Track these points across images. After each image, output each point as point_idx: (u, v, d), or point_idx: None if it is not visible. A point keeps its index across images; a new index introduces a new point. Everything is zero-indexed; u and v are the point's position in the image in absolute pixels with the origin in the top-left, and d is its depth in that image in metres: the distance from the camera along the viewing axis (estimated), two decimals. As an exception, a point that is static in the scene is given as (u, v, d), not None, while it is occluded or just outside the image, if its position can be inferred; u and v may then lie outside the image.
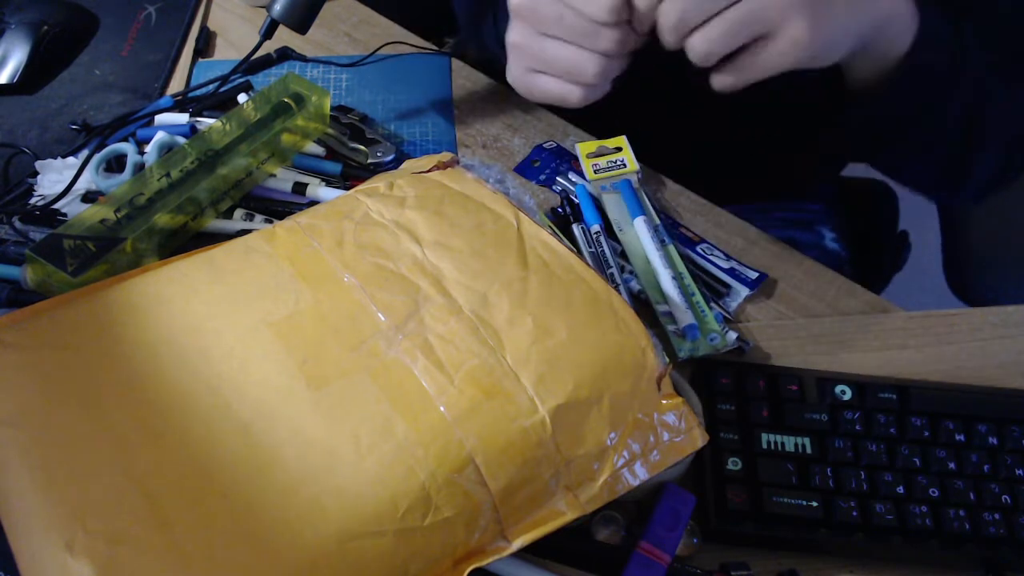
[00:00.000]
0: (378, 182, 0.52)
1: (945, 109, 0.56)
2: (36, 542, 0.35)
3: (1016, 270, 0.74)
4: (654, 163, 0.65)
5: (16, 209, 0.56)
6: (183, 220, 0.54)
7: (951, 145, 0.59)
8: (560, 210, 0.60)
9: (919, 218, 0.86)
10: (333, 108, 0.65)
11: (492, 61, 0.64)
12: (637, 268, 0.57)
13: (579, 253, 0.56)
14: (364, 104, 0.68)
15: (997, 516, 0.46)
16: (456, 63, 0.72)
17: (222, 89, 0.66)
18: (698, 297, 0.55)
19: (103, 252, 0.50)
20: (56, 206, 0.56)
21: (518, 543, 0.39)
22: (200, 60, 0.70)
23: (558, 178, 0.63)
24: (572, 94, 0.50)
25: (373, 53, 0.71)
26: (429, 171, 0.53)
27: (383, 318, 0.43)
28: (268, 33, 0.59)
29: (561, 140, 0.67)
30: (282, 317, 0.43)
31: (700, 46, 0.45)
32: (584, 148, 0.64)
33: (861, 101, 0.56)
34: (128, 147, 0.59)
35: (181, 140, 0.59)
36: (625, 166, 0.63)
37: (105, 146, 0.60)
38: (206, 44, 0.72)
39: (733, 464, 0.47)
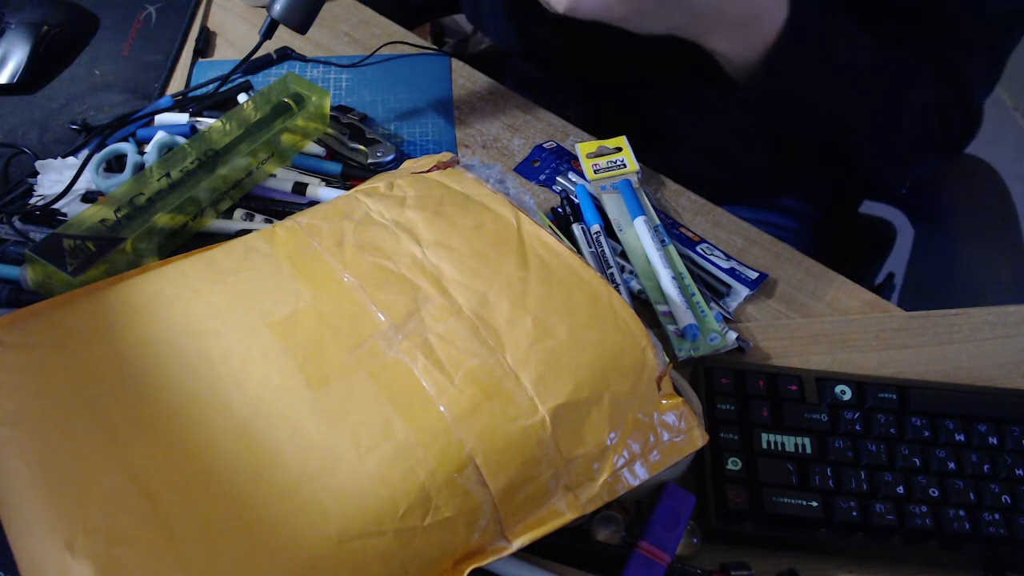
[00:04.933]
0: (378, 182, 0.52)
1: (818, 85, 0.59)
2: (36, 542, 0.35)
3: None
4: (654, 163, 0.65)
5: (16, 209, 0.56)
6: (183, 220, 0.54)
7: (832, 124, 0.62)
8: (560, 210, 0.60)
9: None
10: (333, 108, 0.65)
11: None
12: (637, 268, 0.57)
13: (579, 253, 0.56)
14: (364, 104, 0.68)
15: (997, 516, 0.46)
16: (456, 63, 0.72)
17: (222, 89, 0.66)
18: (698, 297, 0.55)
19: (103, 252, 0.50)
20: (56, 206, 0.56)
21: (518, 543, 0.39)
22: (200, 60, 0.70)
23: (558, 178, 0.63)
24: None
25: (373, 53, 0.71)
26: (429, 171, 0.53)
27: (383, 318, 0.43)
28: (268, 33, 0.59)
29: (561, 140, 0.67)
30: (282, 317, 0.43)
31: None
32: (584, 148, 0.64)
33: (743, 86, 0.59)
34: (128, 147, 0.59)
35: (181, 140, 0.59)
36: (625, 166, 0.63)
37: (105, 146, 0.60)
38: (206, 44, 0.72)
39: (733, 464, 0.47)
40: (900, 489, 0.47)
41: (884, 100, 0.61)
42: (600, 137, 0.66)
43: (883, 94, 0.60)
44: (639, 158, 0.63)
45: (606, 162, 0.63)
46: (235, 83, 0.67)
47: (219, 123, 0.58)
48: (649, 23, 0.52)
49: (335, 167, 0.61)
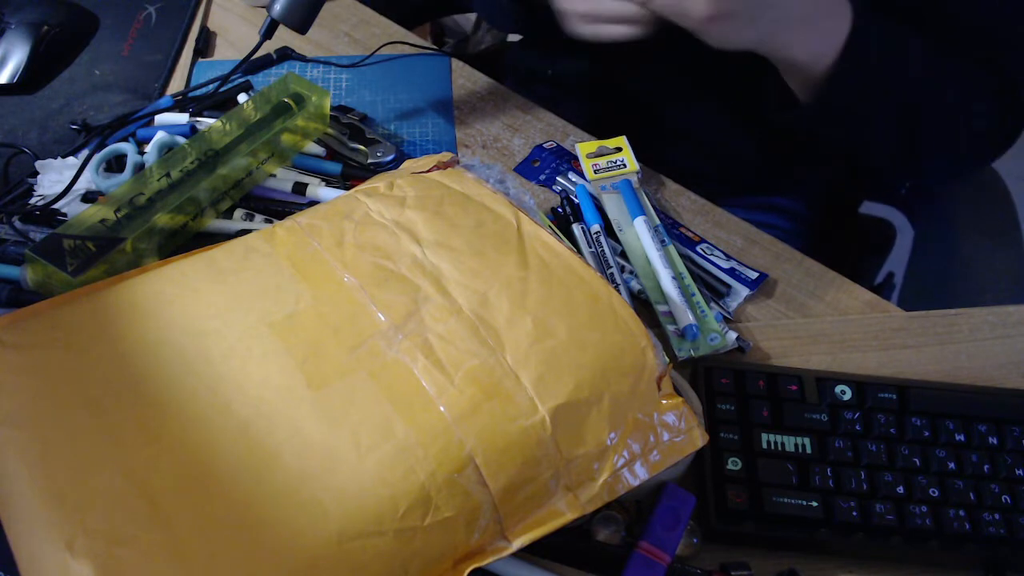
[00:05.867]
0: (378, 182, 0.52)
1: (883, 104, 0.58)
2: (36, 542, 0.35)
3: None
4: (654, 163, 0.65)
5: (16, 209, 0.56)
6: (183, 220, 0.54)
7: (896, 141, 0.61)
8: (560, 210, 0.60)
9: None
10: (333, 108, 0.65)
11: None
12: (637, 268, 0.57)
13: (579, 253, 0.56)
14: (364, 104, 0.68)
15: (997, 516, 0.46)
16: (456, 63, 0.72)
17: (222, 89, 0.66)
18: (698, 297, 0.55)
19: (103, 252, 0.50)
20: (56, 206, 0.56)
21: (518, 543, 0.39)
22: (200, 60, 0.71)
23: (558, 178, 0.63)
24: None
25: (373, 53, 0.71)
26: (429, 171, 0.53)
27: (383, 318, 0.43)
28: (268, 33, 0.59)
29: (561, 140, 0.67)
30: (282, 317, 0.43)
31: None
32: (584, 148, 0.64)
33: (804, 103, 0.58)
34: (128, 147, 0.59)
35: (181, 140, 0.59)
36: (625, 166, 0.63)
37: (105, 146, 0.60)
38: (206, 44, 0.72)
39: (733, 464, 0.47)
40: (900, 489, 0.47)
41: (950, 110, 0.60)
42: (600, 136, 0.66)
43: (950, 105, 0.60)
44: (638, 155, 0.63)
45: (606, 162, 0.63)
46: (235, 83, 0.67)
47: (219, 123, 0.58)
48: (732, 31, 0.50)
49: (335, 167, 0.61)
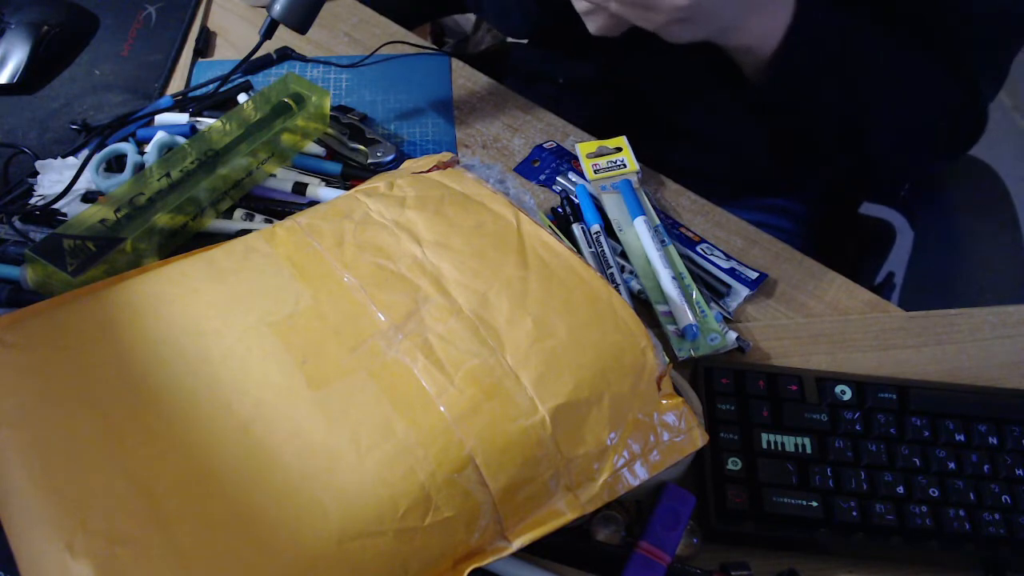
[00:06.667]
0: (378, 182, 0.52)
1: (827, 85, 0.60)
2: (36, 542, 0.35)
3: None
4: (654, 163, 0.65)
5: (16, 209, 0.56)
6: (183, 220, 0.54)
7: (841, 121, 0.63)
8: (560, 210, 0.60)
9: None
10: (333, 108, 0.65)
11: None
12: (637, 268, 0.57)
13: (579, 253, 0.56)
14: (364, 104, 0.68)
15: (997, 516, 0.46)
16: (456, 63, 0.72)
17: (222, 89, 0.66)
18: (698, 297, 0.55)
19: (103, 252, 0.50)
20: (56, 206, 0.56)
21: (518, 543, 0.39)
22: (200, 60, 0.70)
23: (558, 178, 0.63)
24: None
25: (373, 53, 0.71)
26: (429, 171, 0.53)
27: (383, 318, 0.43)
28: (268, 33, 0.59)
29: (561, 140, 0.67)
30: (282, 317, 0.43)
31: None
32: (584, 148, 0.64)
33: (760, 86, 0.61)
34: (128, 147, 0.59)
35: (181, 140, 0.59)
36: (625, 166, 0.63)
37: (105, 146, 0.60)
38: (206, 44, 0.72)
39: (733, 464, 0.47)
40: (900, 489, 0.47)
41: (898, 97, 0.61)
42: (600, 135, 0.66)
43: (898, 91, 0.61)
44: (638, 155, 0.63)
45: (606, 162, 0.63)
46: (235, 83, 0.67)
47: (219, 123, 0.58)
48: (689, 31, 0.53)
49: (335, 167, 0.61)
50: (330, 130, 0.63)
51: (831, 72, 0.59)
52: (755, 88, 0.62)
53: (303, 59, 0.71)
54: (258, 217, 0.57)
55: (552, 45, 0.79)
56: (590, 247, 0.57)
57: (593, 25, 0.56)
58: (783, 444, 0.48)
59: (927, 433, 0.48)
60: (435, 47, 0.73)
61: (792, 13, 0.56)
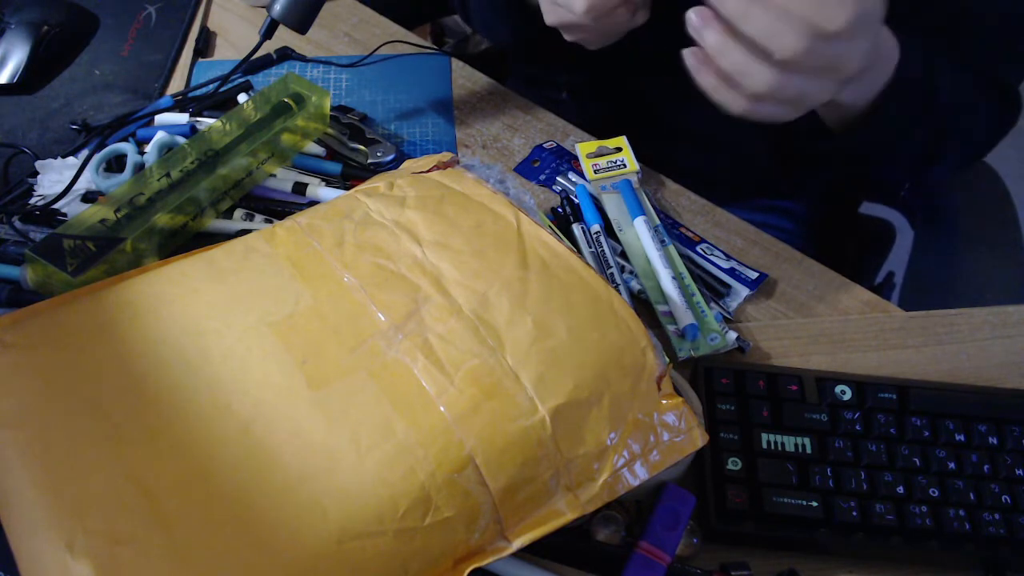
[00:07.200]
0: (378, 182, 0.52)
1: (916, 132, 0.58)
2: (36, 542, 0.35)
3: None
4: (654, 163, 0.65)
5: (16, 209, 0.56)
6: (183, 220, 0.54)
7: (919, 158, 0.62)
8: (560, 210, 0.60)
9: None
10: (333, 108, 0.65)
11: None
12: (637, 268, 0.57)
13: (579, 253, 0.56)
14: (364, 104, 0.68)
15: (997, 516, 0.46)
16: (456, 63, 0.72)
17: (222, 89, 0.66)
18: (698, 297, 0.55)
19: (103, 252, 0.50)
20: (56, 206, 0.56)
21: (518, 543, 0.39)
22: (200, 60, 0.71)
23: (558, 178, 0.63)
24: None
25: (373, 53, 0.71)
26: (429, 171, 0.53)
27: (383, 318, 0.43)
28: (268, 33, 0.59)
29: (561, 140, 0.67)
30: (282, 317, 0.43)
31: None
32: (584, 148, 0.64)
33: (841, 133, 0.58)
34: (128, 147, 0.59)
35: (181, 140, 0.59)
36: (625, 166, 0.63)
37: (105, 146, 0.60)
38: (206, 44, 0.72)
39: (733, 464, 0.47)
40: (900, 489, 0.47)
41: (968, 121, 0.60)
42: (600, 135, 0.66)
43: (967, 116, 0.60)
44: (638, 155, 0.63)
45: (606, 162, 0.63)
46: (235, 83, 0.67)
47: (219, 123, 0.58)
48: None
49: (335, 167, 0.61)
50: (330, 130, 0.63)
51: (926, 112, 0.56)
52: (836, 138, 0.57)
53: (303, 59, 0.71)
54: (258, 217, 0.57)
55: (545, 54, 0.79)
56: (590, 247, 0.57)
57: (569, 36, 0.54)
58: (783, 444, 0.48)
59: (927, 433, 0.48)
60: (435, 47, 0.73)
61: (894, 71, 0.51)
